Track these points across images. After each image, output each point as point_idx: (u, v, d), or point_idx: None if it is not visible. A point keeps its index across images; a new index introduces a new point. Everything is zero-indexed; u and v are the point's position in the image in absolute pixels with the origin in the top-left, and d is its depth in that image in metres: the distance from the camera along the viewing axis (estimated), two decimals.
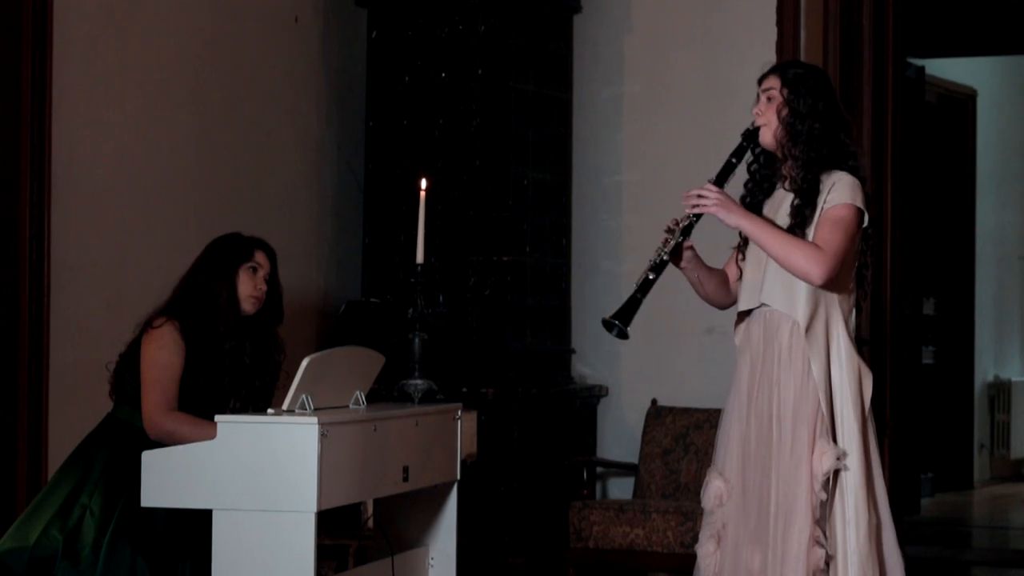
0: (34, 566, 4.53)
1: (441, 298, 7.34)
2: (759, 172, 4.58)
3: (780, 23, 7.50)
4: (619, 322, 4.46)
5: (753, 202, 4.56)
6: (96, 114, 6.22)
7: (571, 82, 7.96)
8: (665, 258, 4.48)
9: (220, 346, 4.90)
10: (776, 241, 4.39)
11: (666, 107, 7.86)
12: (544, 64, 7.73)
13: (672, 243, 4.49)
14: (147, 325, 4.87)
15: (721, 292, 4.68)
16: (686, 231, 4.50)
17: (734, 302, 4.66)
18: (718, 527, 4.49)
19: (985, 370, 12.89)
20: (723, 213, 4.43)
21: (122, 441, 4.76)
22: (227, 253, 5.00)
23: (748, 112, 4.57)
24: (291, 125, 7.41)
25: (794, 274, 4.38)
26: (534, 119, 7.64)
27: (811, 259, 4.33)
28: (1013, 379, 13.07)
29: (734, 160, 4.52)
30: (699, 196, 4.45)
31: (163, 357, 4.79)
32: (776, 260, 4.41)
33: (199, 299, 4.91)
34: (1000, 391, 13.01)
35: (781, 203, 4.50)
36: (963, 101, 12.56)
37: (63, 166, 6.03)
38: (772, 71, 4.54)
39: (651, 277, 4.48)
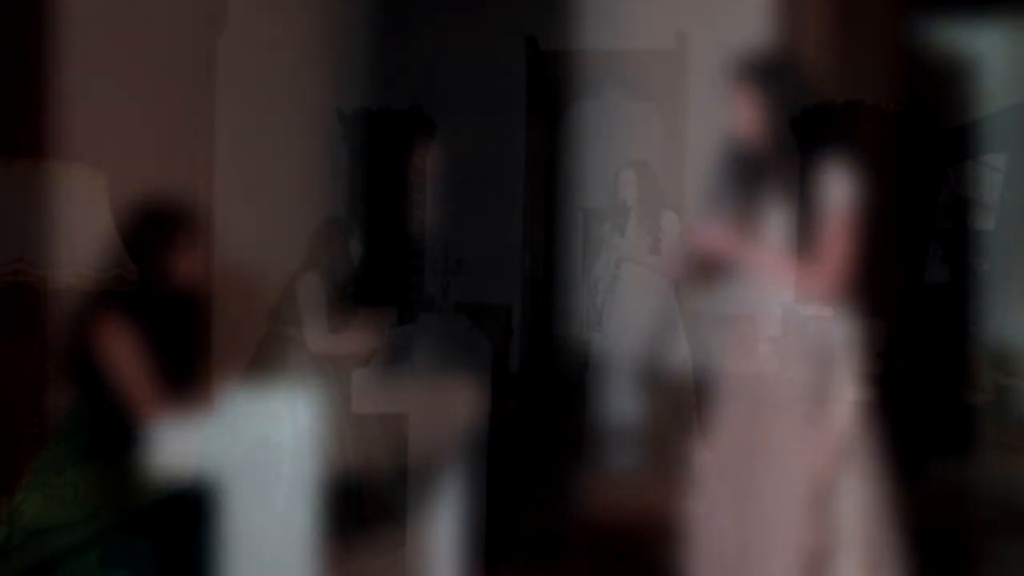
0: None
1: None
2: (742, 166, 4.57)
3: None
4: None
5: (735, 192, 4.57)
6: (102, 95, 6.25)
7: None
8: None
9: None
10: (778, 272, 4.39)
11: None
12: None
13: None
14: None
15: None
16: None
17: None
18: (702, 493, 4.53)
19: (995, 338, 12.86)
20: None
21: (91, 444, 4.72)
22: None
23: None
24: (303, 105, 7.41)
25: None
26: None
27: (819, 285, 4.33)
28: None
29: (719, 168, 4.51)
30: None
31: (134, 362, 4.69)
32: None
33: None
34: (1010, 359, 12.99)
35: (770, 209, 4.50)
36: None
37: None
38: (743, 76, 4.47)
39: None
